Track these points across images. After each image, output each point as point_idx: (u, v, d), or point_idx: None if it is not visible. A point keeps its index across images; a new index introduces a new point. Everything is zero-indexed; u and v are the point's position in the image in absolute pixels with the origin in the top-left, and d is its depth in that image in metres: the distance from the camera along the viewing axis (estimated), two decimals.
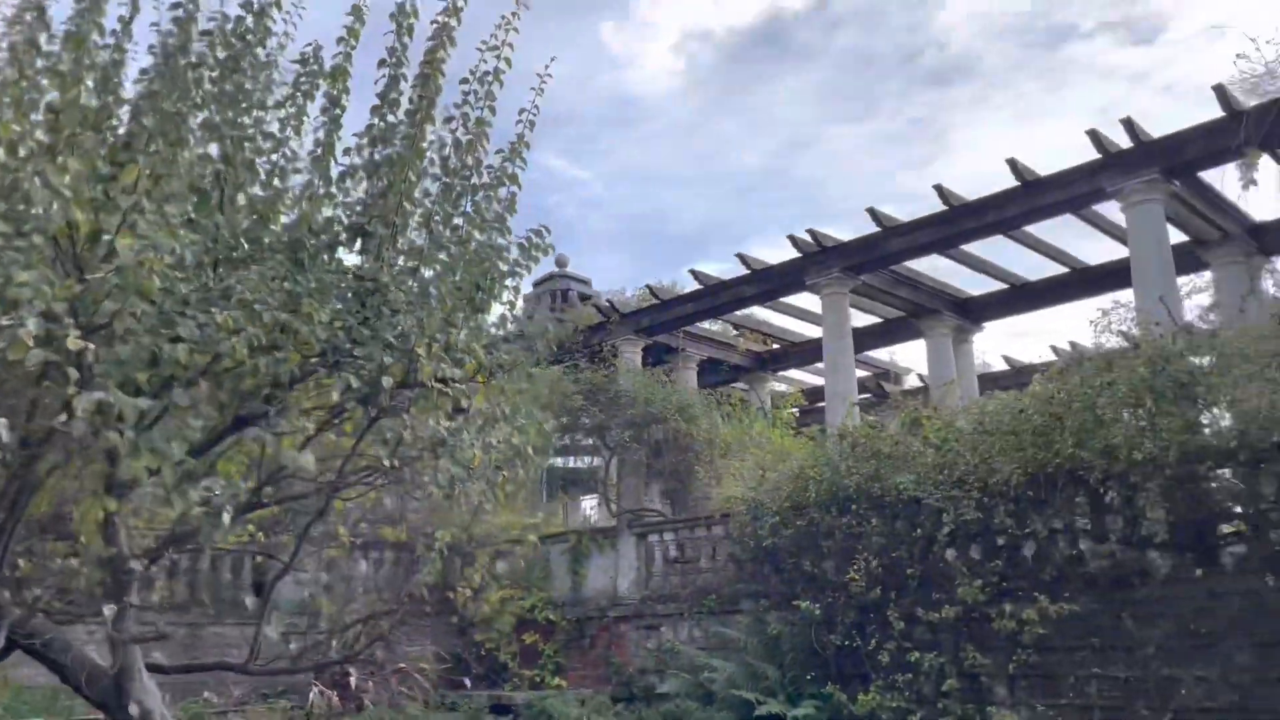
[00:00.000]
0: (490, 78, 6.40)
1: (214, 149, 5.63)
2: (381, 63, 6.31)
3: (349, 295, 5.71)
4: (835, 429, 10.68)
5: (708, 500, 12.98)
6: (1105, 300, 13.85)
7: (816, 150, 49.88)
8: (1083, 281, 12.67)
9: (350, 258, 6.00)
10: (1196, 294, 11.38)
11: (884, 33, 44.30)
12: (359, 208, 6.13)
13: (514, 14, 6.51)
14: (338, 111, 6.19)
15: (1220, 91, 8.73)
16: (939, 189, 10.72)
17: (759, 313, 15.98)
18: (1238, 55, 8.80)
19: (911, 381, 18.93)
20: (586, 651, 12.78)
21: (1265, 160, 8.94)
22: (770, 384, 17.45)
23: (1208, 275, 11.72)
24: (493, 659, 12.60)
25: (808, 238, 12.01)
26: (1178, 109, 49.09)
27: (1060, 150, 49.55)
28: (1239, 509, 7.71)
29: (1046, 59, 44.61)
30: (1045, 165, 10.12)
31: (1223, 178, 9.26)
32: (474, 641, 12.70)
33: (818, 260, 12.05)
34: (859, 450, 9.96)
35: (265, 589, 5.93)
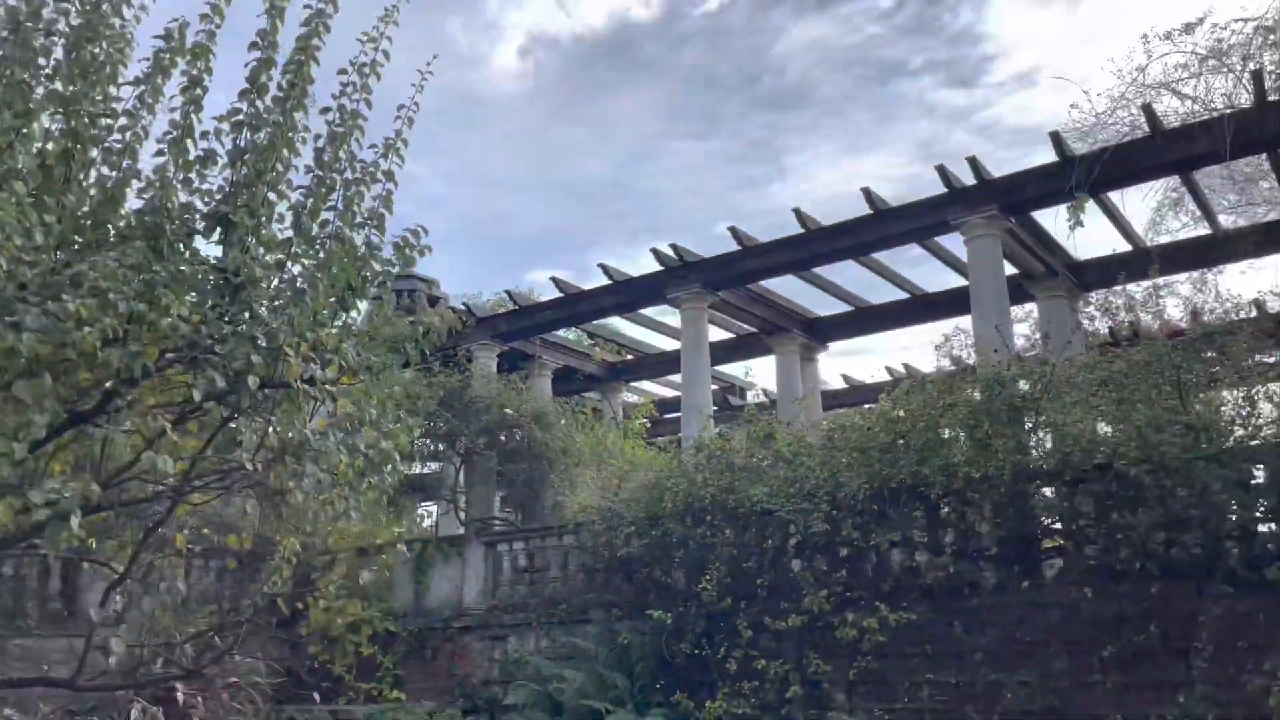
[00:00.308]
0: (368, 70, 6.21)
1: (62, 123, 5.23)
2: (253, 45, 6.02)
3: (209, 287, 5.40)
4: (692, 441, 10.87)
5: (560, 509, 12.95)
6: (942, 325, 14.88)
7: (660, 163, 50.79)
8: (922, 307, 13.44)
9: (210, 248, 5.67)
10: (1018, 323, 12.30)
11: (727, 54, 45.62)
12: (219, 195, 5.82)
13: (395, 7, 6.34)
14: (198, 92, 5.85)
15: (1055, 138, 9.46)
16: (797, 212, 11.15)
17: (614, 322, 16.11)
18: (1071, 105, 9.62)
19: (755, 395, 19.54)
20: (429, 663, 12.48)
21: (1091, 204, 9.78)
22: (623, 394, 17.61)
23: (1032, 307, 12.64)
24: (325, 672, 12.11)
25: (670, 252, 12.22)
26: (991, 148, 52.81)
27: (888, 180, 52.30)
28: (1060, 525, 8.31)
29: (877, 92, 47.06)
30: (875, 194, 10.64)
31: (1055, 218, 10.05)
32: (307, 654, 12.18)
33: (679, 275, 12.27)
34: (714, 462, 10.19)
35: (104, 599, 5.50)
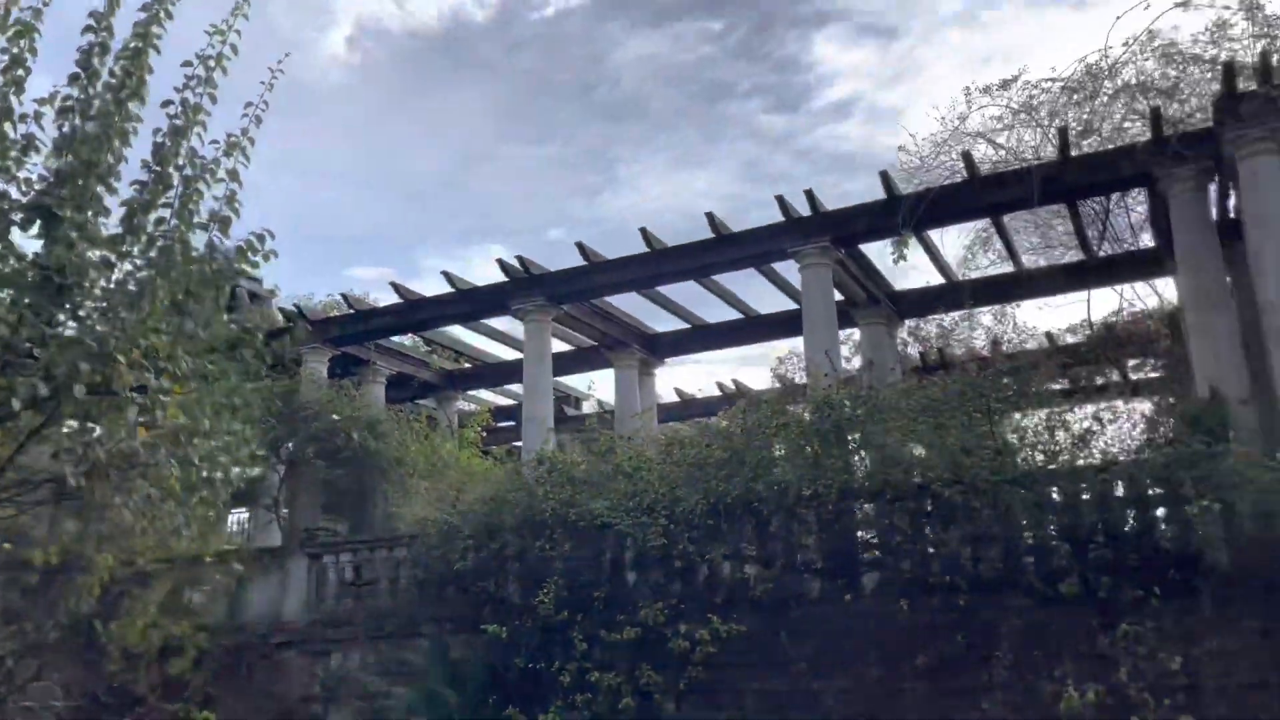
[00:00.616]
0: (214, 63, 5.94)
1: None
2: (86, 29, 5.66)
3: (26, 284, 5.02)
4: (534, 453, 10.87)
5: (392, 520, 12.64)
6: (772, 344, 15.51)
7: (492, 165, 50.39)
8: (754, 327, 13.98)
9: (30, 242, 5.27)
10: (840, 346, 13.02)
11: (563, 61, 45.93)
12: (41, 185, 5.43)
13: (246, 0, 6.10)
14: (20, 73, 5.45)
15: (885, 178, 10.11)
16: (643, 232, 11.39)
17: (451, 330, 15.87)
18: (900, 148, 10.29)
19: (589, 407, 19.70)
20: (244, 681, 11.86)
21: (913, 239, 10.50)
22: (458, 403, 17.37)
23: (853, 332, 13.39)
24: (127, 693, 11.31)
25: (516, 263, 12.19)
26: (809, 172, 55.49)
27: (715, 197, 53.86)
28: (879, 541, 8.83)
29: (706, 110, 48.51)
30: (703, 210, 11.08)
31: (883, 250, 10.73)
32: (106, 673, 11.34)
33: (525, 287, 12.26)
34: (556, 475, 10.23)
35: None
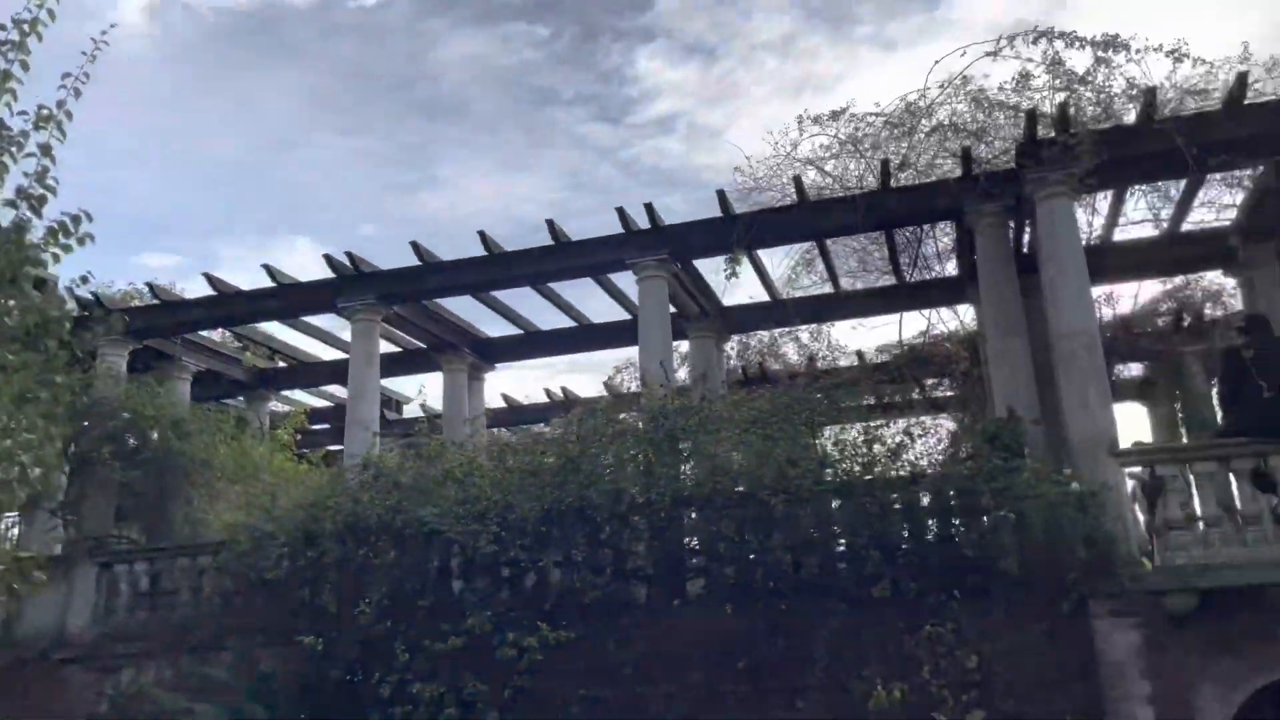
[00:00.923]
0: (29, 28, 5.47)
1: None
2: None
3: None
4: (360, 458, 10.50)
5: (197, 527, 11.87)
6: (602, 353, 15.64)
7: (301, 154, 48.20)
8: (588, 335, 14.08)
9: None
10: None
11: (383, 53, 44.59)
12: None
13: None
14: None
15: (721, 196, 10.47)
16: (482, 235, 11.25)
17: (265, 326, 15.08)
18: (736, 168, 10.67)
19: (412, 410, 19.21)
20: (19, 700, 10.86)
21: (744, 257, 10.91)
22: (270, 403, 16.51)
23: (682, 343, 13.72)
24: None
25: (345, 260, 11.74)
26: (632, 185, 56.46)
27: (538, 203, 53.75)
28: (706, 548, 9.08)
29: (531, 115, 48.43)
30: (526, 214, 11.14)
31: (714, 265, 11.09)
32: None
33: (353, 285, 11.82)
34: (382, 481, 9.94)
35: None
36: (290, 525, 9.91)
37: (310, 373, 15.99)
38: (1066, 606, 7.97)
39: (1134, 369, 15.63)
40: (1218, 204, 11.61)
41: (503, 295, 13.08)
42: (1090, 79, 9.66)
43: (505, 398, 18.54)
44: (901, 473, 8.70)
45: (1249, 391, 8.44)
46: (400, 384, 17.58)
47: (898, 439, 9.02)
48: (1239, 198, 11.01)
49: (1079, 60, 9.65)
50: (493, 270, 11.46)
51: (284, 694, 9.44)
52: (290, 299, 12.34)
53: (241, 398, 16.17)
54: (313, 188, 49.52)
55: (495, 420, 16.71)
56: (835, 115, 10.27)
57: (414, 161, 48.82)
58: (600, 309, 13.99)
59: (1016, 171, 9.40)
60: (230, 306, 12.54)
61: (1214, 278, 13.50)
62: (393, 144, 47.79)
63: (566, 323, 13.82)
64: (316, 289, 12.10)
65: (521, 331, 14.17)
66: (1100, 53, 9.59)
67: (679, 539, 9.23)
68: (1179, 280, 13.81)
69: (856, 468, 8.62)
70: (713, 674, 8.65)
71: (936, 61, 10.04)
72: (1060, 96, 9.22)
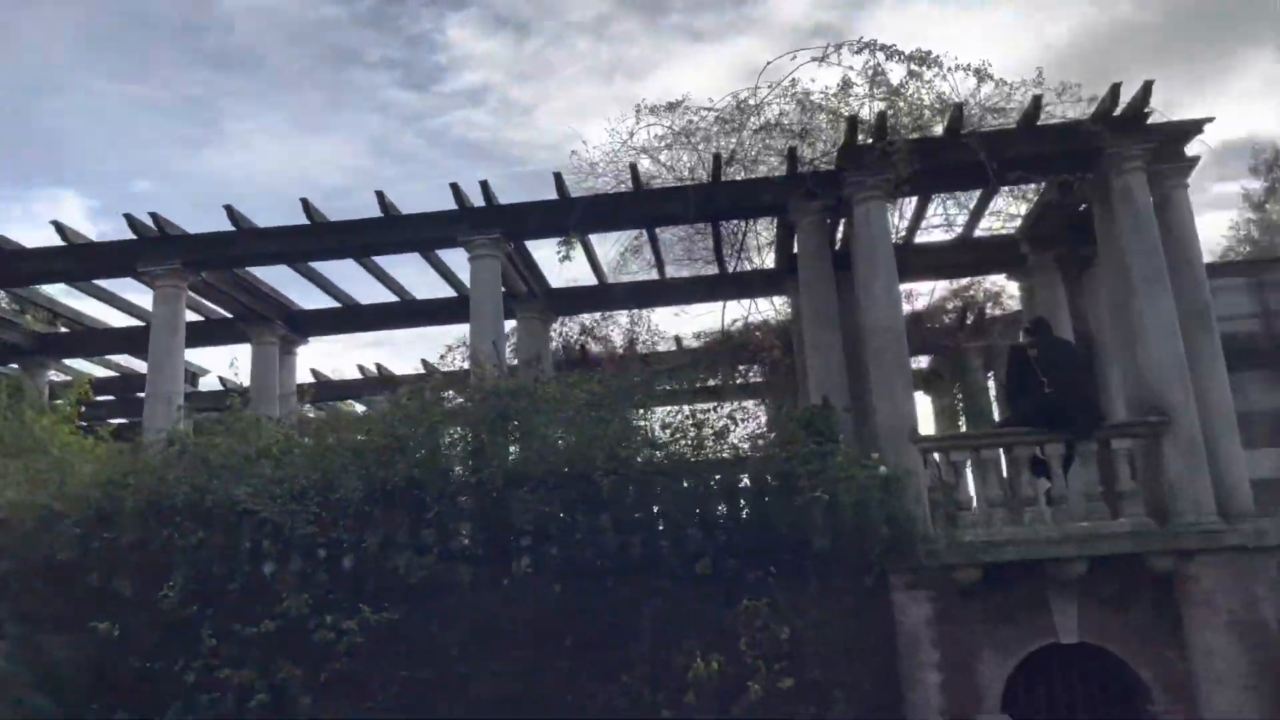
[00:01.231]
0: None
1: None
2: None
3: None
4: (165, 433, 9.84)
5: None
6: (427, 331, 15.25)
7: (68, 99, 44.09)
8: (411, 311, 13.75)
9: None
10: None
11: None
12: None
13: None
14: None
15: (558, 179, 10.50)
16: (305, 203, 10.74)
17: (46, 288, 13.79)
18: (572, 152, 10.72)
19: (210, 383, 18.14)
20: None
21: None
22: (50, 372, 15.13)
23: (508, 324, 13.66)
24: None
25: (147, 219, 10.90)
26: (439, 155, 55.28)
27: (339, 168, 51.71)
28: (536, 528, 9.13)
29: (330, 76, 46.48)
30: (325, 179, 10.81)
31: (542, 246, 11.12)
32: None
33: (157, 248, 10.99)
34: (188, 458, 9.37)
35: None
36: (83, 504, 9.19)
37: (98, 340, 14.77)
38: (870, 581, 8.61)
39: (921, 361, 16.94)
40: (1004, 214, 12.77)
41: (320, 266, 12.57)
42: (903, 90, 10.38)
43: (315, 373, 17.86)
44: (725, 455, 9.09)
45: (1031, 387, 9.40)
46: (200, 356, 16.55)
47: (721, 423, 9.39)
48: (1024, 209, 12.15)
49: (895, 72, 10.36)
50: (315, 240, 10.99)
51: (74, 684, 8.78)
52: (84, 261, 11.35)
53: (15, 365, 14.74)
54: (82, 136, 45.27)
55: (302, 395, 16.04)
56: (672, 107, 10.54)
57: (199, 114, 45.51)
58: (418, 284, 13.71)
59: (837, 174, 9.99)
60: (10, 266, 11.39)
61: (996, 280, 14.84)
62: (174, 94, 44.34)
63: (389, 298, 13.44)
64: (114, 251, 11.18)
65: (340, 305, 13.66)
66: (914, 66, 10.32)
67: (507, 519, 9.23)
68: (965, 281, 15.07)
69: (685, 450, 8.92)
70: (539, 652, 8.74)
71: (769, 62, 10.49)
72: (880, 105, 9.86)
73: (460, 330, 15.13)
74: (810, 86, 10.52)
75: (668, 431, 9.11)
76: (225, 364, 17.48)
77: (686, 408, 9.49)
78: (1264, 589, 8.45)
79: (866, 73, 10.16)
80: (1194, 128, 9.87)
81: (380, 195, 10.59)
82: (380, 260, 12.45)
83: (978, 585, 8.61)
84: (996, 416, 14.64)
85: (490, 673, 8.74)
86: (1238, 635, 8.28)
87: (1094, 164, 9.71)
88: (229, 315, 13.58)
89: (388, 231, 10.88)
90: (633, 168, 10.45)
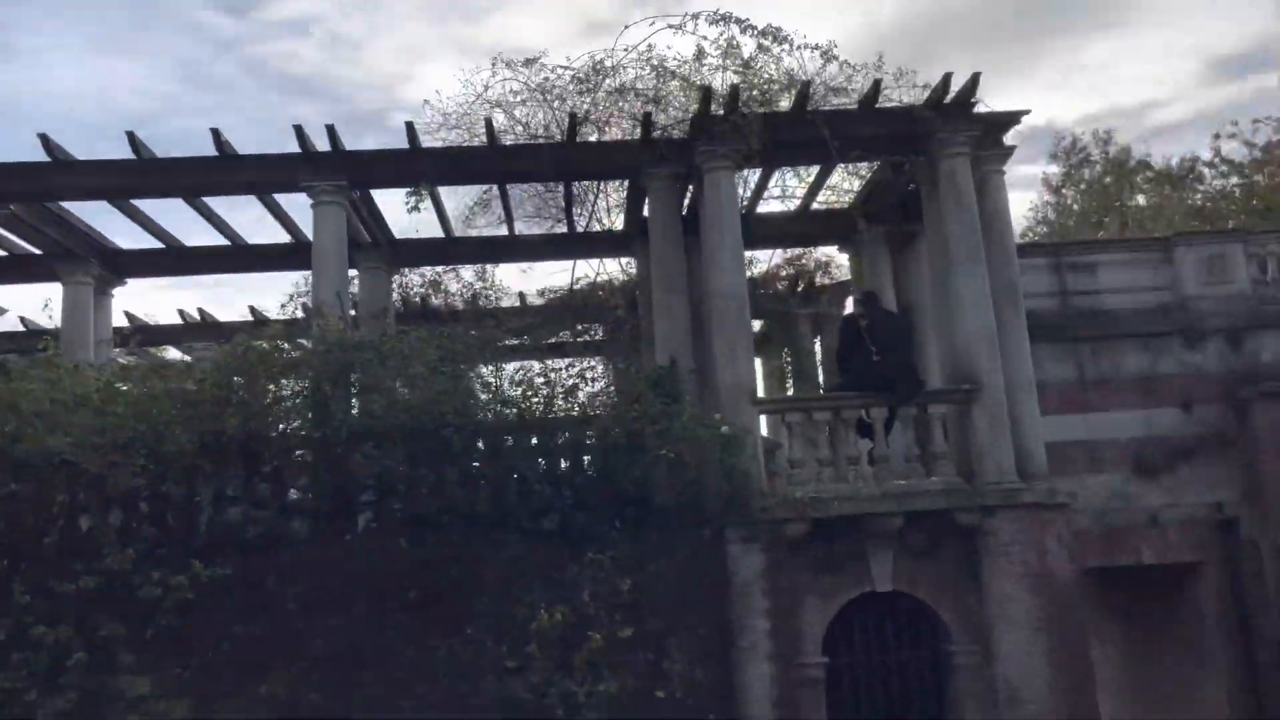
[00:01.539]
0: None
1: None
2: None
3: None
4: None
5: None
6: (261, 277, 14.50)
7: None
8: (243, 256, 13.08)
9: None
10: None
11: None
12: None
13: None
14: None
15: (409, 128, 10.23)
16: (131, 136, 10.01)
17: None
18: (425, 101, 10.47)
19: (10, 322, 16.70)
20: None
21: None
22: None
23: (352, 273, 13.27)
24: None
25: None
26: (256, 88, 52.16)
27: (147, 95, 48.03)
28: (382, 482, 9.03)
29: None
30: (126, 108, 10.23)
31: (389, 195, 10.86)
32: None
33: None
34: None
35: None
36: None
37: None
38: (708, 534, 9.05)
39: (754, 325, 17.63)
40: (838, 189, 13.43)
41: (142, 204, 11.77)
42: (754, 64, 10.72)
43: (129, 316, 16.73)
44: (574, 413, 9.27)
45: (861, 355, 10.04)
46: (3, 295, 15.19)
47: (570, 381, 9.56)
48: (857, 185, 12.82)
49: (748, 46, 10.67)
50: (142, 177, 10.30)
51: None
52: None
53: None
54: None
55: (132, 342, 15.04)
56: (529, 63, 10.47)
57: None
58: (250, 228, 13.02)
59: (689, 142, 10.23)
60: None
61: (826, 251, 15.60)
62: None
63: (219, 240, 12.76)
64: None
65: (164, 246, 12.86)
66: (764, 41, 10.67)
67: (349, 473, 9.09)
68: (798, 250, 15.77)
69: (537, 406, 9.04)
70: (382, 606, 8.71)
71: (626, 26, 10.60)
72: (733, 78, 10.15)
73: (294, 277, 14.60)
74: (666, 54, 10.70)
75: (519, 389, 9.17)
76: (35, 305, 15.95)
77: (536, 365, 9.60)
78: (1053, 542, 9.44)
79: (720, 44, 10.42)
80: (1013, 119, 10.70)
81: (216, 133, 10.02)
82: (211, 201, 11.80)
83: (806, 538, 9.20)
84: (821, 380, 15.48)
85: (329, 628, 8.66)
86: (1029, 583, 9.23)
87: (924, 147, 10.38)
88: (37, 252, 12.55)
89: (224, 172, 10.33)
90: (488, 122, 10.34)
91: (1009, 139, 10.91)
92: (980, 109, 10.34)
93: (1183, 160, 26.85)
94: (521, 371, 9.95)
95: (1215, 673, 11.99)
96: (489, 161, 10.61)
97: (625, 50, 10.79)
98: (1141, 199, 27.09)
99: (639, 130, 10.51)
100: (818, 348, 16.24)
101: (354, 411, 9.04)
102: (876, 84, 10.02)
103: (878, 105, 10.15)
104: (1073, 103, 44.71)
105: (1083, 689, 9.32)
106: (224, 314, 16.72)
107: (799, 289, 15.91)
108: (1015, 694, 9.02)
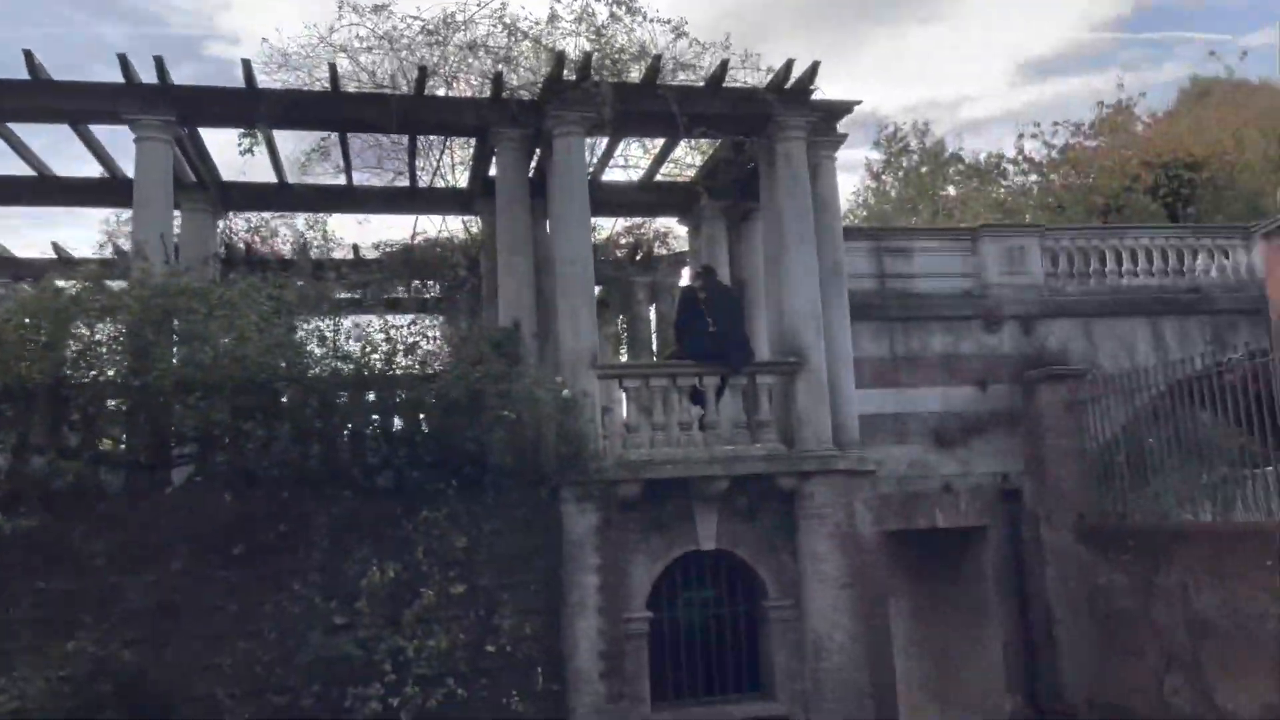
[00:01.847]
0: None
1: None
2: None
3: None
4: None
5: None
6: (60, 210, 13.36)
7: None
8: (48, 189, 12.06)
9: None
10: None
11: None
12: None
13: None
14: None
15: (246, 66, 9.73)
16: None
17: None
18: (264, 39, 9.98)
19: None
20: None
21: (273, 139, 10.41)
22: None
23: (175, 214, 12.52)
24: None
25: None
26: (65, 7, 47.81)
27: None
28: (204, 434, 8.68)
29: None
30: (39, 61, 9.39)
31: (218, 135, 10.28)
32: None
33: None
34: None
35: None
36: None
37: None
38: (544, 494, 9.24)
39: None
40: (682, 163, 13.77)
41: None
42: (605, 32, 10.83)
43: None
44: (414, 370, 9.20)
45: (698, 326, 10.43)
46: None
47: (410, 339, 9.46)
48: (699, 160, 13.19)
49: (600, 13, 10.76)
50: None
51: None
52: None
53: None
54: None
55: None
56: (379, 9, 10.17)
57: None
58: (55, 158, 12.02)
59: (540, 105, 10.25)
60: None
61: (665, 222, 15.96)
62: None
63: (23, 170, 11.73)
64: None
65: None
66: (616, 10, 10.80)
67: (169, 424, 8.70)
68: (638, 219, 16.06)
69: (377, 362, 8.91)
70: (202, 560, 8.45)
71: None
72: (585, 44, 10.23)
73: (105, 214, 13.65)
74: (519, 13, 10.64)
75: (359, 345, 9.01)
76: None
77: (375, 320, 9.43)
78: (861, 506, 10.19)
79: (574, 9, 10.46)
80: (847, 108, 11.30)
81: (29, 55, 9.20)
82: (15, 127, 10.82)
83: (637, 499, 9.55)
84: (655, 347, 15.90)
85: (144, 583, 8.34)
86: (839, 543, 9.94)
87: (765, 129, 10.81)
88: None
89: (35, 96, 9.53)
90: (332, 67, 9.98)
91: (841, 126, 11.51)
92: (817, 96, 10.86)
93: (990, 156, 28.91)
94: (357, 327, 9.74)
95: (995, 628, 13.30)
96: (332, 108, 10.25)
97: (478, 5, 10.66)
98: (952, 190, 28.99)
99: (488, 88, 10.43)
100: (653, 315, 16.63)
101: (176, 361, 8.63)
102: (724, 64, 10.34)
103: (725, 84, 10.47)
104: (892, 91, 47.11)
105: (882, 642, 10.16)
106: (20, 249, 15.39)
107: (638, 258, 16.21)
108: (822, 645, 9.73)
